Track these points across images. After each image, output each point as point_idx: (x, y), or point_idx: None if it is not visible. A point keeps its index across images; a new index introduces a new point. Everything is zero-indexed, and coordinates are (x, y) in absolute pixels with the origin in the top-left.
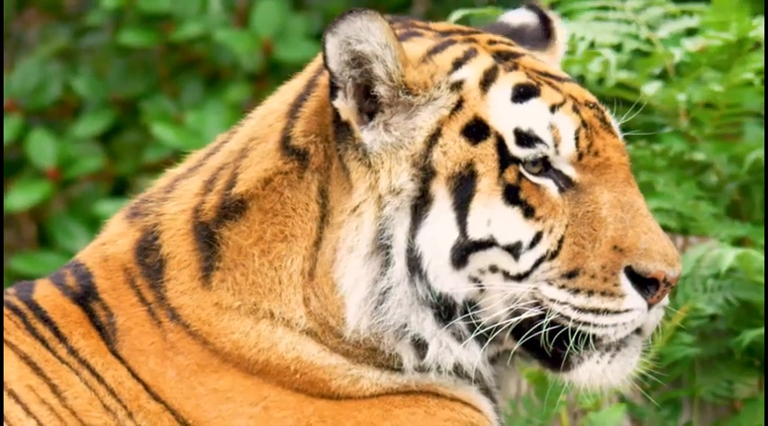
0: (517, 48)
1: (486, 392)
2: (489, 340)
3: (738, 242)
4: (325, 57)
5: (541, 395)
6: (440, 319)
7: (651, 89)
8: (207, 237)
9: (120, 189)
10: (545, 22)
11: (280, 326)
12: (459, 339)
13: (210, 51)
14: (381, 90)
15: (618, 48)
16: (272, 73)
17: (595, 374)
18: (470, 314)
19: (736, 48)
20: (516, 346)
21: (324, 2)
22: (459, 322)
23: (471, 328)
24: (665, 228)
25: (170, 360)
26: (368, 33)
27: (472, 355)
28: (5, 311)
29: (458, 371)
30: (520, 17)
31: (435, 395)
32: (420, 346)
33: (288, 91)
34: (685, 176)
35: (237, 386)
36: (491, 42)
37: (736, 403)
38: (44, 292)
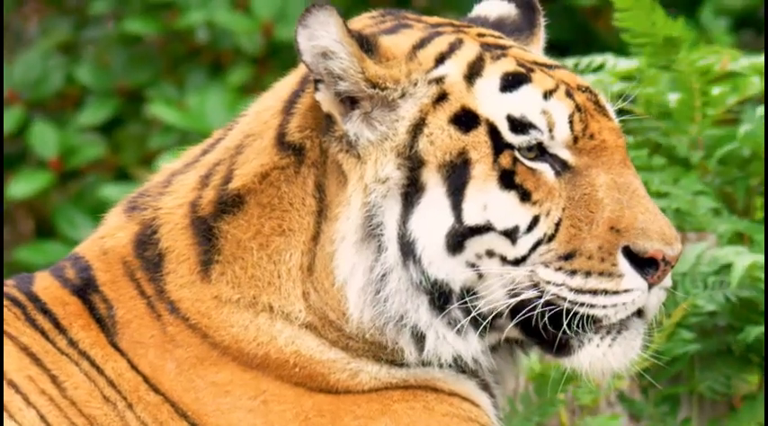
0: (506, 41)
1: (485, 387)
2: (487, 327)
3: (736, 237)
4: (299, 51)
5: (540, 393)
6: (434, 306)
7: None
8: (205, 231)
9: (123, 179)
10: (529, 10)
11: (279, 320)
12: (457, 329)
13: (213, 38)
14: (344, 85)
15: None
16: (273, 55)
17: (596, 358)
18: (467, 300)
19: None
20: (511, 326)
21: None
22: (455, 310)
23: (468, 318)
24: None
25: (169, 353)
26: (325, 28)
27: (470, 345)
28: (5, 302)
29: (458, 363)
30: (497, 8)
31: (434, 390)
32: (419, 338)
33: (282, 87)
34: (684, 172)
35: (236, 380)
36: (480, 35)
37: (735, 399)
38: (44, 284)
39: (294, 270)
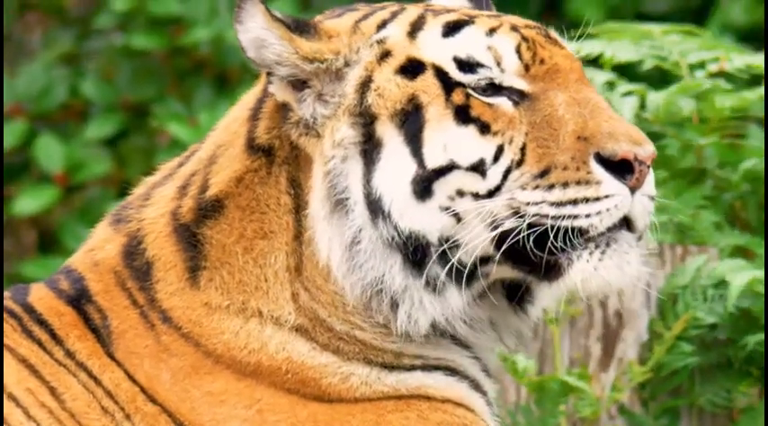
0: (453, 8)
1: (477, 387)
2: (470, 275)
3: (737, 251)
4: (242, 49)
5: (541, 404)
6: (410, 264)
7: (656, 99)
8: (189, 237)
9: (128, 194)
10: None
11: (269, 325)
12: (435, 288)
13: (220, 54)
14: (284, 70)
15: (639, 63)
16: None
17: (588, 273)
18: (447, 250)
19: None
20: (499, 259)
21: (331, 2)
22: (433, 266)
23: (449, 272)
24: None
25: (164, 363)
26: (254, 19)
27: (450, 303)
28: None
29: (435, 330)
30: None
31: (426, 398)
32: (396, 306)
33: (249, 97)
34: (685, 186)
35: (231, 389)
36: (427, 5)
37: (735, 412)
38: (39, 295)
39: (281, 272)
